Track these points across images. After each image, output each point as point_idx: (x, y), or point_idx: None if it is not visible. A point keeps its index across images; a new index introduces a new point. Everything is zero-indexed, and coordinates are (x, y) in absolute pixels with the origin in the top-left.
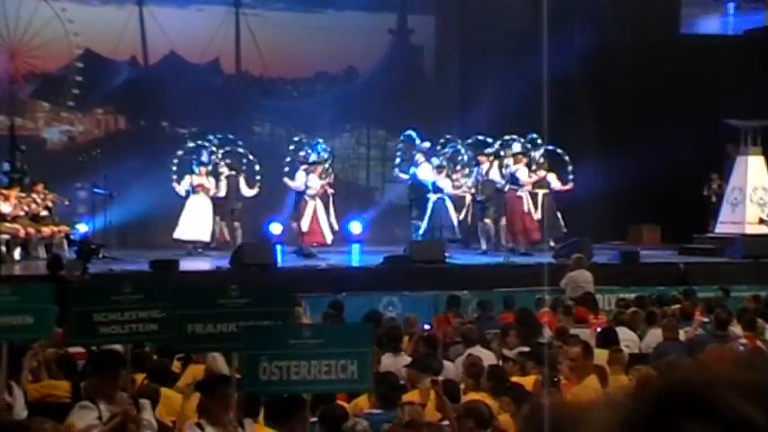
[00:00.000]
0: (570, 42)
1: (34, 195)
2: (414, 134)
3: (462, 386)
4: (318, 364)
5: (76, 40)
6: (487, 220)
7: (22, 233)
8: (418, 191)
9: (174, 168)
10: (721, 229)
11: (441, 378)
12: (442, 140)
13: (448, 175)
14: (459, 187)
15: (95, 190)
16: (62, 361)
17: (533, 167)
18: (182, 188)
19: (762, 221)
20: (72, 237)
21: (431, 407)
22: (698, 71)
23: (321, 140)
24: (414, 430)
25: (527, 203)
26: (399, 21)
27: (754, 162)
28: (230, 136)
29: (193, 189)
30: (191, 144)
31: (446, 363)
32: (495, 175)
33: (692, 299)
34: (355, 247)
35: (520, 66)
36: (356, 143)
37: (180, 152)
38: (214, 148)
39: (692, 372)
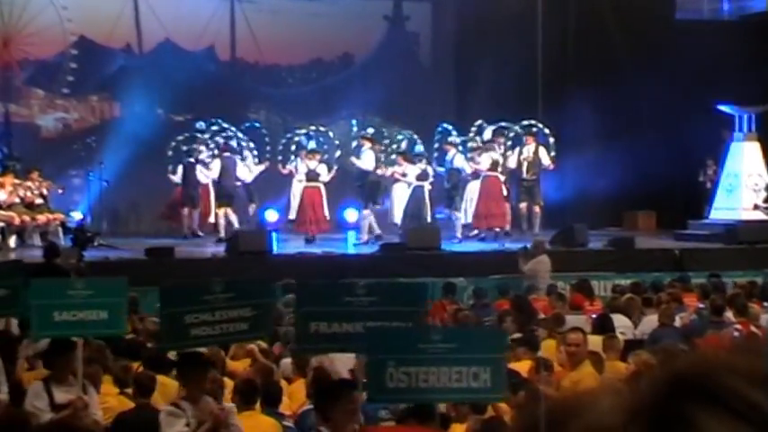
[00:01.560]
0: (566, 28)
1: (29, 183)
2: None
3: None
4: (449, 371)
5: (71, 26)
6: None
7: (17, 221)
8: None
9: (171, 154)
10: (716, 215)
11: None
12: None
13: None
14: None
15: (90, 177)
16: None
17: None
18: (178, 177)
19: (757, 207)
20: (67, 224)
21: None
22: (694, 57)
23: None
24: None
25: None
26: (395, 7)
27: (749, 148)
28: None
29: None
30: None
31: None
32: (460, 162)
33: (686, 285)
34: (351, 235)
35: (515, 52)
36: (352, 130)
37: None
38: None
39: (697, 358)
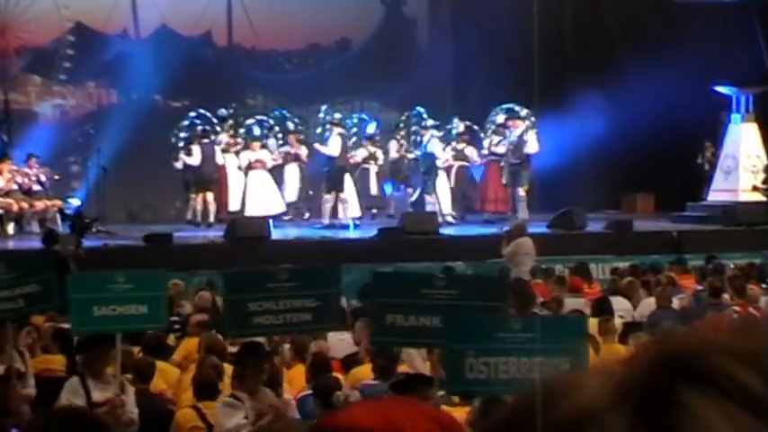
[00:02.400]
0: (563, 12)
1: (27, 170)
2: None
3: None
4: (529, 362)
5: (67, 13)
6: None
7: (15, 208)
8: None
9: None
10: (715, 196)
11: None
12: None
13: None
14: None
15: (88, 164)
16: (57, 335)
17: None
18: (194, 159)
19: (755, 189)
20: (65, 211)
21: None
22: (691, 38)
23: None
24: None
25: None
26: None
27: (747, 130)
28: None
29: (251, 164)
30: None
31: None
32: (434, 147)
33: (684, 267)
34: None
35: (513, 36)
36: (349, 115)
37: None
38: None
39: (689, 339)
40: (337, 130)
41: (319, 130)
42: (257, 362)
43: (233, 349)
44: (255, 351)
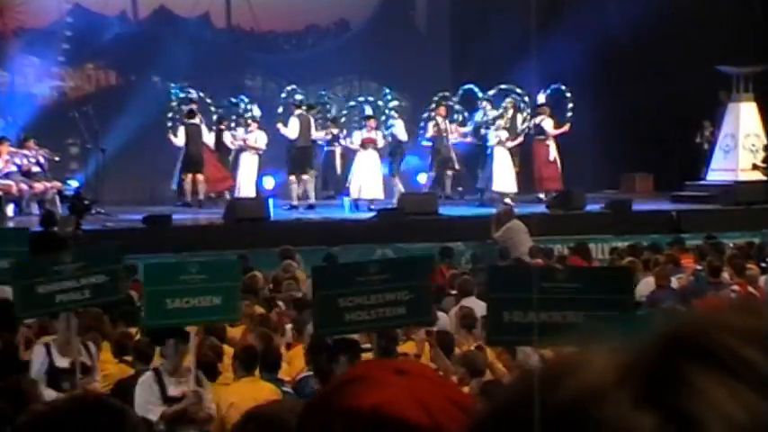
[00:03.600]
0: None
1: (26, 151)
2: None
3: (456, 336)
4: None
5: None
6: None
7: (14, 189)
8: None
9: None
10: (714, 176)
11: (435, 329)
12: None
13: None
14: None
15: (87, 145)
16: None
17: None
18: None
19: (755, 167)
20: (64, 192)
21: (425, 358)
22: (690, 17)
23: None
24: None
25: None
26: None
27: (746, 109)
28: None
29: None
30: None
31: (440, 314)
32: (397, 130)
33: (683, 246)
34: (347, 200)
35: (511, 16)
36: (348, 96)
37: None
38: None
39: (692, 317)
40: (297, 111)
41: (281, 109)
42: (351, 360)
43: (233, 332)
44: (353, 347)
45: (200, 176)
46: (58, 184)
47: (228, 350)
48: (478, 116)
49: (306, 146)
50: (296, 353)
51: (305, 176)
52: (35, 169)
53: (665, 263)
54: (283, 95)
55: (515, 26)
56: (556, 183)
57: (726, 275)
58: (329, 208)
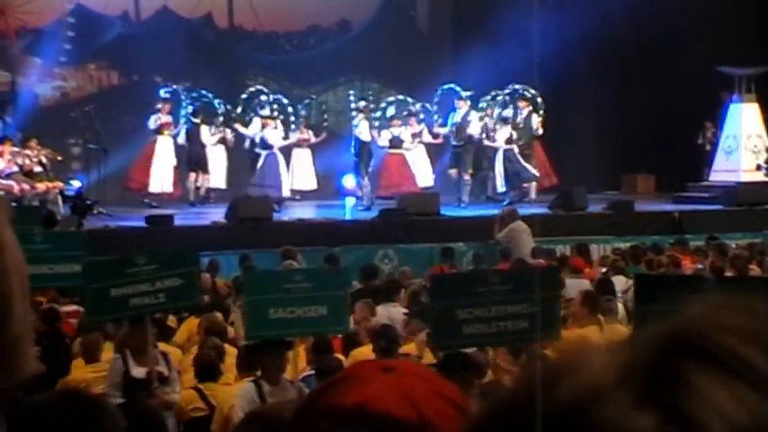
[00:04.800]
0: None
1: (27, 151)
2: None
3: None
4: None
5: None
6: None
7: (16, 189)
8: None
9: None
10: (716, 177)
11: None
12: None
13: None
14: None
15: (89, 146)
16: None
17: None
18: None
19: (759, 168)
20: (66, 193)
21: (427, 359)
22: (692, 18)
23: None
24: None
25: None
26: None
27: (748, 109)
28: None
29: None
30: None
31: None
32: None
33: (685, 247)
34: (349, 201)
35: (513, 16)
36: (350, 96)
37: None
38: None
39: (692, 316)
40: (262, 112)
41: (239, 110)
42: (468, 374)
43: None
44: (465, 364)
45: (201, 175)
46: (59, 184)
47: (230, 350)
48: (457, 116)
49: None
50: (299, 353)
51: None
52: (37, 169)
53: (668, 263)
54: (244, 96)
55: (516, 26)
56: (549, 179)
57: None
58: (331, 208)
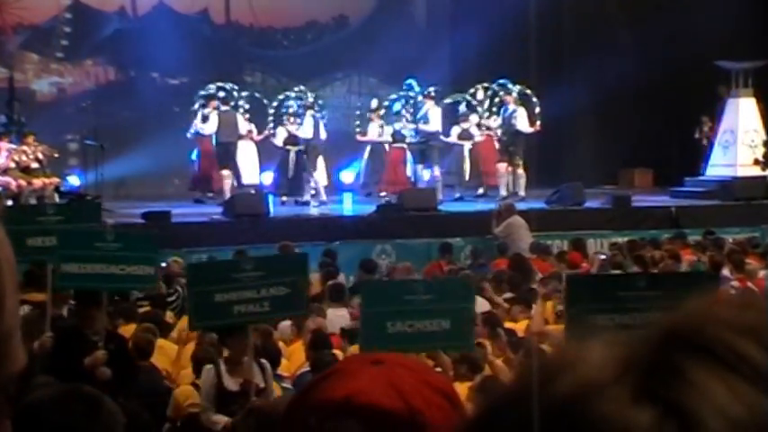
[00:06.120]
0: None
1: (25, 147)
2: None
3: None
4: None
5: None
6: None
7: (13, 185)
8: None
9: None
10: (713, 171)
11: None
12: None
13: None
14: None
15: (86, 142)
16: None
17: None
18: (278, 140)
19: (757, 162)
20: (62, 189)
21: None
22: (689, 12)
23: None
24: None
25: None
26: None
27: (745, 104)
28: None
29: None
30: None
31: None
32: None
33: (683, 241)
34: (347, 196)
35: (510, 11)
36: (347, 92)
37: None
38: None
39: (690, 311)
40: (214, 104)
41: (196, 106)
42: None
43: None
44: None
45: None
46: (56, 179)
47: None
48: (421, 112)
49: (229, 142)
50: (295, 349)
51: (225, 172)
52: (34, 165)
53: (667, 257)
54: (202, 93)
55: (514, 21)
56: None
57: (726, 271)
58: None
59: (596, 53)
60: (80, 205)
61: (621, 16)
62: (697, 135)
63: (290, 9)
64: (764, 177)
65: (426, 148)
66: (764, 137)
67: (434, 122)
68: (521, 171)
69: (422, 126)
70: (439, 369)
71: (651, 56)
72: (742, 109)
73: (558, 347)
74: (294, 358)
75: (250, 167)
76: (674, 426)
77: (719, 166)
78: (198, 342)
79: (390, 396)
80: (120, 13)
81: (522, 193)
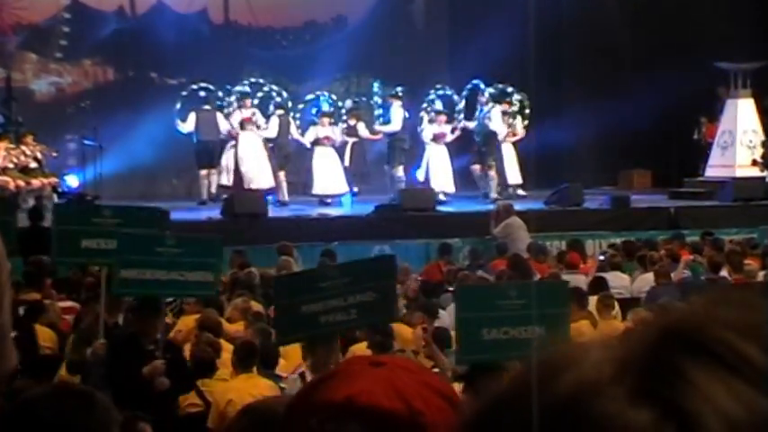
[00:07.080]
0: None
1: (23, 147)
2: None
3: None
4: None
5: None
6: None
7: (11, 185)
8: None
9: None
10: (711, 172)
11: (434, 326)
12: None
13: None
14: None
15: (85, 141)
16: None
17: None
18: (307, 139)
19: (755, 163)
20: (60, 189)
21: (423, 355)
22: (688, 13)
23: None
24: None
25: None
26: None
27: (744, 105)
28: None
29: (318, 140)
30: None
31: (439, 310)
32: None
33: (682, 242)
34: (346, 196)
35: (509, 11)
36: (346, 92)
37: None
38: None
39: (689, 311)
40: (206, 107)
41: (178, 105)
42: None
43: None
44: None
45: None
46: (54, 179)
47: (226, 346)
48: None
49: (209, 140)
50: (293, 348)
51: (204, 172)
52: (32, 165)
53: (662, 258)
54: (184, 93)
55: (513, 23)
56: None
57: (724, 272)
58: (327, 204)
59: (596, 53)
60: (140, 210)
61: (621, 16)
62: (696, 136)
63: (288, 9)
64: (763, 178)
65: (390, 149)
66: (763, 137)
67: (396, 123)
68: (492, 173)
69: (379, 126)
70: (437, 370)
71: (650, 56)
72: (741, 110)
73: (558, 347)
74: (292, 358)
75: (257, 169)
76: (673, 426)
77: (718, 166)
78: (195, 342)
79: (392, 398)
80: (118, 12)
81: (493, 194)
